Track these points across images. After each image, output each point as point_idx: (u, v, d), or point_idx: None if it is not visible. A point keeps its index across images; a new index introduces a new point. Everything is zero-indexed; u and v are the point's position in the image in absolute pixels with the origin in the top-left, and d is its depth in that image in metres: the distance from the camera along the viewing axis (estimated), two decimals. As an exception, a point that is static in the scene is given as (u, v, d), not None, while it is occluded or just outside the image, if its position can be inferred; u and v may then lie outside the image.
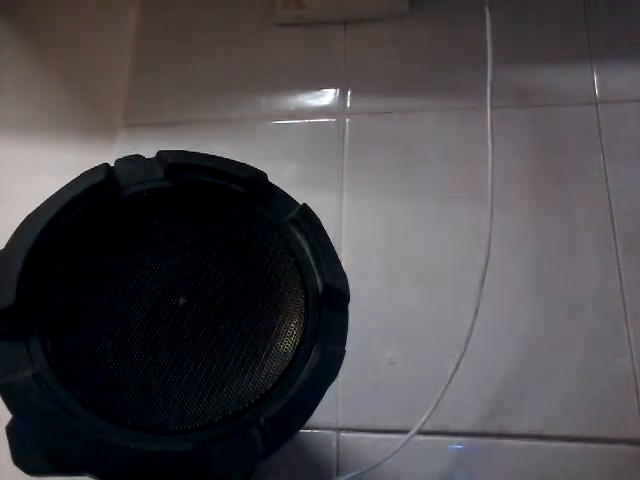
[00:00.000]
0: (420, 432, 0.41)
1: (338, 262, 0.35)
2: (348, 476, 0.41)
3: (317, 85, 0.56)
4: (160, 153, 0.35)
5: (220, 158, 0.36)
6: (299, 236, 0.35)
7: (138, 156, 0.35)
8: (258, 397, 0.30)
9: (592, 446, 0.42)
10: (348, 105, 0.55)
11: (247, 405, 0.30)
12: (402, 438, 0.40)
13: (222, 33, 0.60)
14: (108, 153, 0.55)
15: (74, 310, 0.30)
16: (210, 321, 0.32)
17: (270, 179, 0.36)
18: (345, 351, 0.32)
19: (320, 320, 0.32)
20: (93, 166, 0.33)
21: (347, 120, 0.55)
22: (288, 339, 0.32)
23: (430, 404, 0.40)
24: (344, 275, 0.34)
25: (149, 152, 0.36)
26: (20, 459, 0.29)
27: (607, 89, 0.52)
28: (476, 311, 0.42)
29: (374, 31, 0.57)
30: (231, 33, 0.60)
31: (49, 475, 0.29)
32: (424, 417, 0.40)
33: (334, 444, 0.44)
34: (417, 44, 0.56)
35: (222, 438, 0.28)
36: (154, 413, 0.29)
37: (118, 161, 0.35)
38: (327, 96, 0.56)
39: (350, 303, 0.34)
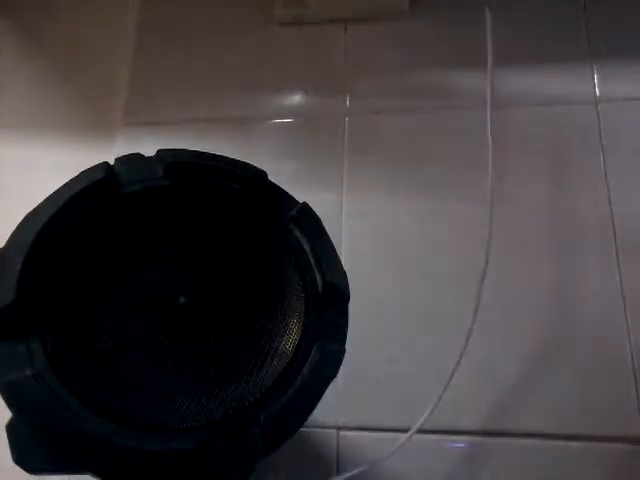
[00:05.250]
0: (420, 431, 0.40)
1: (338, 261, 0.35)
2: (348, 475, 0.41)
3: (317, 84, 0.56)
4: (160, 152, 0.35)
5: (220, 157, 0.36)
6: (299, 235, 0.35)
7: (138, 155, 0.35)
8: (258, 396, 0.30)
9: (592, 444, 0.42)
10: (348, 104, 0.55)
11: (247, 404, 0.30)
12: (402, 437, 0.40)
13: (222, 32, 0.60)
14: (108, 152, 0.55)
15: (74, 308, 0.30)
16: (210, 320, 0.32)
17: (270, 178, 0.36)
18: (345, 350, 0.32)
19: (320, 319, 0.32)
20: (93, 165, 0.33)
21: (347, 119, 0.55)
22: (288, 338, 0.32)
23: (430, 403, 0.40)
24: (344, 274, 0.35)
25: (149, 151, 0.36)
26: (20, 458, 0.29)
27: (607, 88, 0.52)
28: (476, 310, 0.42)
29: (374, 30, 0.57)
30: (231, 32, 0.60)
31: (49, 474, 0.29)
32: (424, 416, 0.40)
33: (334, 443, 0.44)
34: (417, 43, 0.56)
35: (222, 437, 0.28)
36: (154, 412, 0.29)
37: (118, 160, 0.35)
38: (327, 95, 0.56)
39: (350, 302, 0.34)
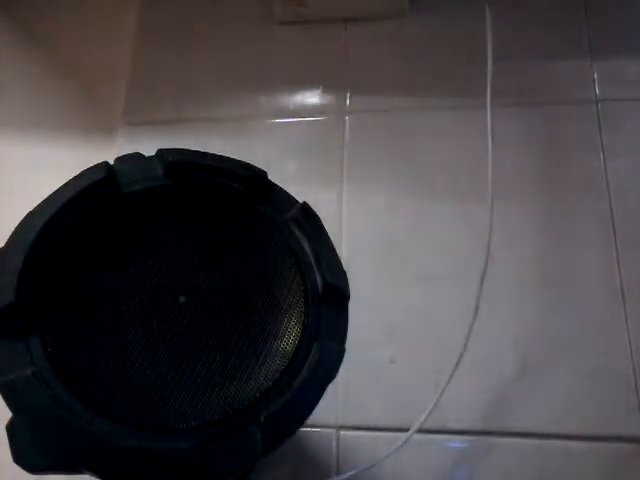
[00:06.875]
0: (420, 430, 0.41)
1: (338, 260, 0.35)
2: (348, 474, 0.41)
3: (317, 83, 0.56)
4: (160, 151, 0.35)
5: (220, 156, 0.36)
6: (299, 234, 0.35)
7: (138, 154, 0.35)
8: (258, 395, 0.30)
9: (592, 444, 0.42)
10: (348, 103, 0.55)
11: (247, 403, 0.30)
12: (402, 436, 0.40)
13: (222, 31, 0.60)
14: (108, 151, 0.55)
15: (74, 308, 0.30)
16: (210, 319, 0.32)
17: (270, 177, 0.36)
18: (345, 349, 0.32)
19: (320, 318, 0.32)
20: (93, 164, 0.33)
21: (347, 118, 0.55)
22: (288, 337, 0.32)
23: (430, 402, 0.40)
24: (344, 273, 0.34)
25: (149, 150, 0.36)
26: (20, 457, 0.29)
27: (607, 87, 0.52)
28: (476, 310, 0.42)
29: (374, 29, 0.57)
30: (231, 31, 0.60)
31: (49, 473, 0.29)
32: (424, 415, 0.40)
33: (334, 442, 0.44)
34: (417, 42, 0.56)
35: (222, 436, 0.28)
36: (154, 411, 0.29)
37: (118, 159, 0.35)
38: (327, 94, 0.56)
39: (350, 301, 0.34)
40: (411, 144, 0.53)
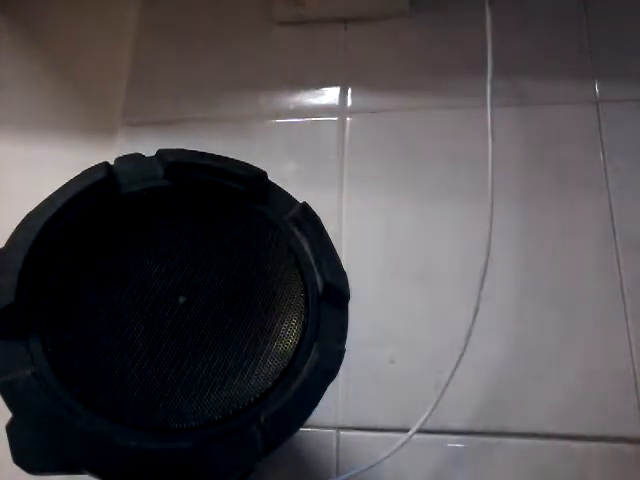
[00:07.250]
0: (420, 431, 0.41)
1: (338, 261, 0.35)
2: (347, 475, 0.41)
3: (317, 83, 0.56)
4: (160, 152, 0.35)
5: (220, 156, 0.36)
6: (299, 235, 0.35)
7: (138, 155, 0.35)
8: (258, 396, 0.30)
9: (592, 444, 0.42)
10: (348, 104, 0.55)
11: (247, 404, 0.30)
12: (402, 437, 0.40)
13: (222, 31, 0.60)
14: (108, 151, 0.55)
15: (74, 308, 0.30)
16: (210, 320, 0.32)
17: (270, 178, 0.36)
18: (345, 349, 0.32)
19: (320, 319, 0.32)
20: (93, 165, 0.33)
21: (347, 119, 0.55)
22: (288, 338, 0.32)
23: (430, 403, 0.40)
24: (344, 273, 0.35)
25: (149, 150, 0.36)
26: (20, 458, 0.29)
27: (607, 88, 0.52)
28: (476, 310, 0.42)
29: (374, 30, 0.57)
30: (231, 31, 0.60)
31: (49, 474, 0.29)
32: (424, 416, 0.40)
33: (334, 443, 0.44)
34: (417, 42, 0.56)
35: (222, 437, 0.29)
36: (154, 411, 0.29)
37: (118, 160, 0.35)
38: (327, 94, 0.56)
39: (350, 301, 0.34)
40: (411, 144, 0.53)
